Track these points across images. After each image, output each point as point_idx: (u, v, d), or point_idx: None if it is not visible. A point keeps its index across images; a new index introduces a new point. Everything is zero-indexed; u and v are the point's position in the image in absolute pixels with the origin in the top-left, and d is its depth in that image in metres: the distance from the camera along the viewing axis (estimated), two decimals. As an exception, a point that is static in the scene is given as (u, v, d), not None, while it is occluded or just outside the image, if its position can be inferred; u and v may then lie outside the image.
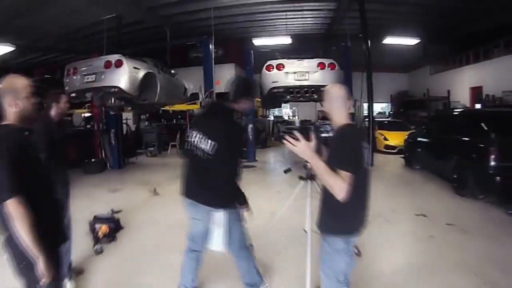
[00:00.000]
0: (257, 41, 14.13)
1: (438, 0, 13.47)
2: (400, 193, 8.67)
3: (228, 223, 3.16)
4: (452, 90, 18.14)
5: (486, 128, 7.48)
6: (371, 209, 2.75)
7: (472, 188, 7.49)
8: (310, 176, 3.89)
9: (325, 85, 8.75)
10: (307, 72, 9.82)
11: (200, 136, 3.11)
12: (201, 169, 3.14)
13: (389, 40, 14.78)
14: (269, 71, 9.78)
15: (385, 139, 15.17)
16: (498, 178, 6.71)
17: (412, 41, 15.67)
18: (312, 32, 17.50)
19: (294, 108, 27.55)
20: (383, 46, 14.48)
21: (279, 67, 9.73)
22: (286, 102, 11.75)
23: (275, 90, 9.84)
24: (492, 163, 6.87)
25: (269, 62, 9.84)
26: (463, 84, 17.22)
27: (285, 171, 5.34)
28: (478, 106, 14.80)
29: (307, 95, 10.01)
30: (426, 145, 10.48)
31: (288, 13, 14.36)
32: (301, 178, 4.08)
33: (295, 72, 9.78)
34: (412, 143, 11.62)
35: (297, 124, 22.52)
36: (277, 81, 9.74)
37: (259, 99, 11.64)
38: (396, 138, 14.26)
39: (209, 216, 3.15)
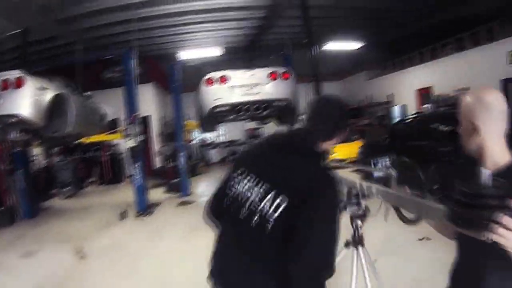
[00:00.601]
0: (184, 54, 12.10)
1: (376, 2, 12.95)
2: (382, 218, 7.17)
3: None
4: (395, 94, 17.29)
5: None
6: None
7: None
8: (359, 240, 2.67)
9: (280, 99, 6.98)
10: (257, 84, 7.91)
11: (255, 182, 1.68)
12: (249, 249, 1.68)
13: (329, 46, 13.56)
14: (210, 85, 7.73)
15: (331, 152, 13.63)
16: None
17: (353, 45, 14.73)
18: (243, 42, 16.18)
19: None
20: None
21: (223, 80, 7.72)
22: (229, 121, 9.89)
23: (219, 109, 7.81)
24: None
25: (209, 75, 7.80)
26: (408, 87, 16.37)
27: None
28: (426, 106, 13.95)
29: (259, 112, 8.08)
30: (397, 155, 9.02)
31: (216, 23, 13.04)
32: (347, 244, 2.71)
33: (242, 86, 7.82)
34: (373, 155, 10.10)
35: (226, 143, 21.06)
36: (220, 98, 7.72)
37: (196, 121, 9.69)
38: (343, 151, 12.69)
39: None
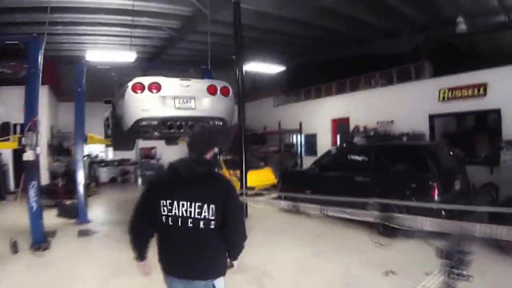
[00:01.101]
0: (93, 55, 10.29)
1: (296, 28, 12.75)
2: (326, 249, 7.04)
3: None
4: (308, 122, 17.05)
5: (427, 161, 7.47)
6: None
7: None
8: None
9: (218, 118, 6.61)
10: (193, 97, 6.73)
11: (189, 204, 2.65)
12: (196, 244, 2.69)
13: (251, 67, 12.84)
14: (138, 92, 6.29)
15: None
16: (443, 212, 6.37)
17: (272, 69, 14.20)
18: (157, 50, 14.85)
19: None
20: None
21: (154, 87, 6.36)
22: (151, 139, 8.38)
23: (145, 123, 6.39)
24: (437, 198, 7.06)
25: (138, 79, 6.39)
26: (322, 116, 16.20)
27: None
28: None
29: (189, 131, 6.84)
30: (330, 185, 9.04)
31: (127, 28, 12.06)
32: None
33: (176, 97, 6.54)
34: (298, 184, 9.98)
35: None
36: (149, 109, 6.35)
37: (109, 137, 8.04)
38: (252, 178, 11.75)
39: None
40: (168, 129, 6.52)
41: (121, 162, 18.85)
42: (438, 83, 11.60)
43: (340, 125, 15.30)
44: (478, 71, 10.37)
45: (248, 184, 12.20)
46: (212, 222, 2.60)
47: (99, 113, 11.05)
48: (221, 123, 7.10)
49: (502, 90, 9.99)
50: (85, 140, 9.86)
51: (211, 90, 6.90)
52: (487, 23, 11.70)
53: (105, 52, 10.86)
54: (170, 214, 2.63)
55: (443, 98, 11.35)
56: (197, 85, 6.76)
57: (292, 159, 17.86)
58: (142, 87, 6.24)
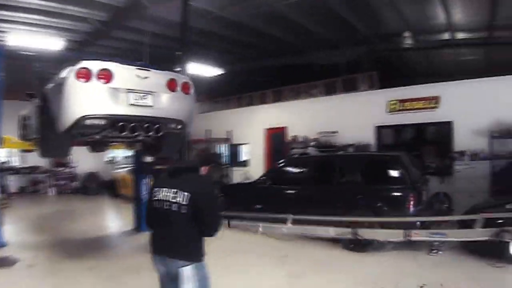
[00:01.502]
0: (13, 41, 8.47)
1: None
2: (301, 270, 6.12)
3: (197, 278, 3.05)
4: (238, 131, 16.13)
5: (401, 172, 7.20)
6: None
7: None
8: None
9: (178, 120, 5.84)
10: (151, 92, 5.46)
11: (168, 190, 3.15)
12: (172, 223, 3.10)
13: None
14: (84, 81, 4.86)
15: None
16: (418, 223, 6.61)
17: (212, 71, 13.17)
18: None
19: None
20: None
21: (103, 75, 4.98)
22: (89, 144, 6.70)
23: (90, 122, 4.98)
24: (412, 209, 6.80)
25: (84, 64, 4.93)
26: (256, 124, 15.39)
27: None
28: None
29: (147, 135, 5.53)
30: (287, 199, 8.37)
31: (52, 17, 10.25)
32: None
33: (131, 91, 5.21)
34: (244, 199, 9.15)
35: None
36: (96, 104, 4.98)
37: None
38: None
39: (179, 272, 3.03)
40: (120, 131, 5.17)
41: (32, 169, 16.28)
42: (386, 94, 11.53)
43: (275, 135, 14.63)
44: (431, 84, 10.53)
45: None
46: (183, 207, 3.02)
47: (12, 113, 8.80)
48: (179, 127, 5.91)
49: (454, 103, 10.15)
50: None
51: (171, 86, 5.71)
52: (431, 40, 11.98)
53: (28, 37, 9.01)
54: (156, 198, 3.19)
55: (392, 109, 11.26)
56: (156, 78, 5.52)
57: (219, 170, 16.79)
58: (88, 74, 4.83)
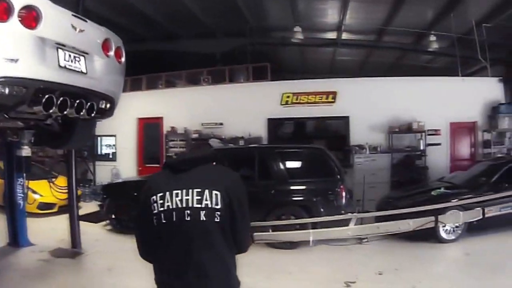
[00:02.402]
0: None
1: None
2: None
3: None
4: (105, 120, 13.92)
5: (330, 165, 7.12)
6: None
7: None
8: None
9: (107, 97, 4.28)
10: (85, 54, 3.94)
11: (184, 192, 2.03)
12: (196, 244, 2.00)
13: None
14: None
15: (34, 192, 9.35)
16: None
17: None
18: None
19: None
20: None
21: (27, 16, 3.26)
22: None
23: (7, 90, 3.18)
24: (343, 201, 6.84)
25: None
26: (125, 114, 13.52)
27: None
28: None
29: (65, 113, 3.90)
30: None
31: None
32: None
33: (62, 46, 3.64)
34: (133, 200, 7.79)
35: None
36: (16, 60, 3.19)
37: None
38: (48, 191, 9.08)
39: None
40: (45, 107, 3.49)
41: None
42: (281, 87, 11.39)
43: (150, 126, 13.17)
44: (329, 80, 10.92)
45: (46, 200, 9.62)
46: (217, 213, 2.00)
47: None
48: (108, 106, 4.45)
49: (351, 99, 10.56)
50: None
51: (106, 48, 4.23)
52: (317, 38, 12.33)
53: None
54: (162, 209, 2.03)
55: (286, 102, 11.16)
56: (93, 34, 4.03)
57: (82, 165, 14.43)
58: (7, 11, 3.10)
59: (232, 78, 12.81)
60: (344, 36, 12.58)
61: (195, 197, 1.99)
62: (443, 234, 6.66)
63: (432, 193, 7.24)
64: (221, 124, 11.92)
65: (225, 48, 13.13)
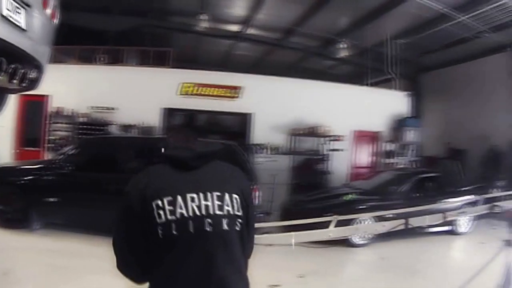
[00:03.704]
0: None
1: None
2: None
3: None
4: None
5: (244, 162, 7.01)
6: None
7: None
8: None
9: (38, 61, 3.52)
10: (26, 6, 3.03)
11: (202, 197, 1.68)
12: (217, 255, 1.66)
13: None
14: None
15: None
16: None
17: None
18: None
19: None
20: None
21: None
22: None
23: None
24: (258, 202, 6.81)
25: None
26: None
27: None
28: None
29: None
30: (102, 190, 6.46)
31: None
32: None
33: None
34: (26, 190, 6.77)
35: None
36: None
37: None
38: None
39: None
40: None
41: None
42: (181, 76, 10.89)
43: (32, 104, 11.51)
44: (235, 74, 10.75)
45: None
46: (238, 221, 1.74)
47: None
48: (34, 74, 3.64)
49: (256, 96, 10.47)
50: None
51: (45, 3, 3.43)
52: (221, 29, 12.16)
53: None
54: (172, 218, 1.62)
55: (186, 92, 10.72)
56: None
57: None
58: None
59: (129, 60, 12.00)
60: (252, 31, 12.56)
61: (216, 203, 1.69)
62: (355, 240, 7.12)
63: (344, 198, 7.61)
64: (113, 109, 11.00)
65: (123, 26, 12.22)
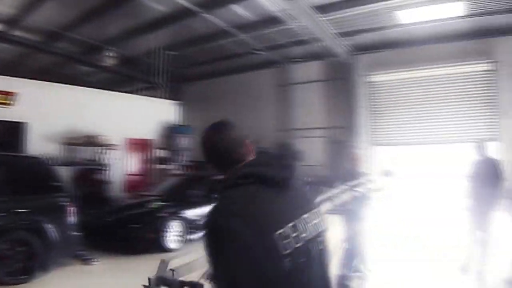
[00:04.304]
0: None
1: None
2: None
3: None
4: None
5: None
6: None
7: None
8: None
9: None
10: None
11: (308, 221, 1.60)
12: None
13: None
14: None
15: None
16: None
17: None
18: None
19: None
20: None
21: None
22: None
23: None
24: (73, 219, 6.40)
25: None
26: None
27: None
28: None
29: None
30: None
31: None
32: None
33: None
34: None
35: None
36: None
37: None
38: None
39: None
40: None
41: None
42: None
43: None
44: (9, 78, 9.49)
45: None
46: (326, 242, 1.67)
47: None
48: None
49: (33, 104, 9.78)
50: None
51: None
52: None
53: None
54: (298, 245, 1.48)
55: None
56: None
57: None
58: None
59: None
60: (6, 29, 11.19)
61: (319, 218, 1.65)
62: (169, 244, 7.46)
63: (153, 205, 7.96)
64: None
65: None
